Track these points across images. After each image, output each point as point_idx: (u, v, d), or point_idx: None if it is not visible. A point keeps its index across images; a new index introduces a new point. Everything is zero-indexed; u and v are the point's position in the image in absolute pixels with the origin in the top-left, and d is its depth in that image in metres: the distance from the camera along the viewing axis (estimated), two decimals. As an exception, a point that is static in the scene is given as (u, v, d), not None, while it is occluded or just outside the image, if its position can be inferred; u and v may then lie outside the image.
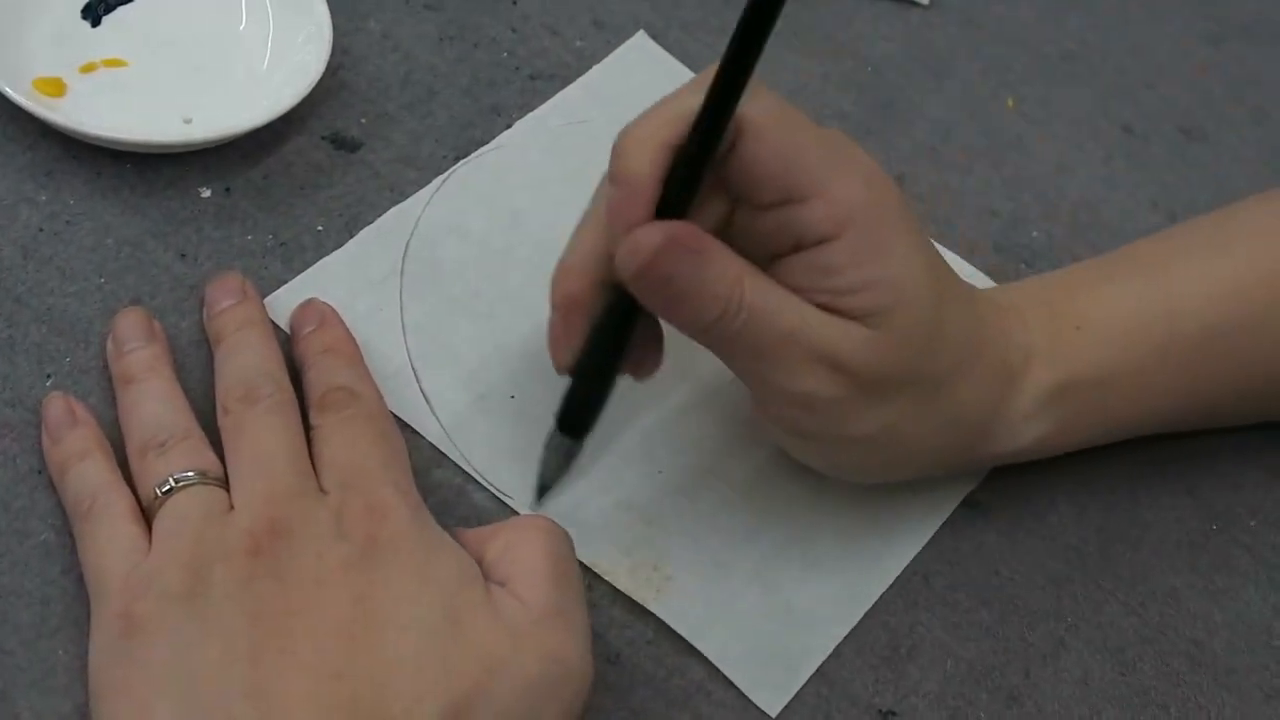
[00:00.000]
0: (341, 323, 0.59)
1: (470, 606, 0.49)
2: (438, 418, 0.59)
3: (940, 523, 0.61)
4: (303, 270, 0.62)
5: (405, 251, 0.63)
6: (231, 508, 0.51)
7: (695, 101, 0.49)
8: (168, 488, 0.51)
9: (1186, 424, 0.64)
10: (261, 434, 0.53)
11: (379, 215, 0.64)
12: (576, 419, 0.56)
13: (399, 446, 0.55)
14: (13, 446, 0.54)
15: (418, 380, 0.60)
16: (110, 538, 0.51)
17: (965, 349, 0.55)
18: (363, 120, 0.67)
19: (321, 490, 0.52)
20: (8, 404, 0.55)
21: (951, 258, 0.69)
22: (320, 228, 0.63)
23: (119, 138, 0.61)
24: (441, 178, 0.66)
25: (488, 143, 0.68)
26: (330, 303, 0.60)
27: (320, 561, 0.49)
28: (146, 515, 0.52)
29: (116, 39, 0.66)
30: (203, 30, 0.67)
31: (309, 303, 0.60)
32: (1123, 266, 0.62)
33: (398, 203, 0.65)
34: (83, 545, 0.52)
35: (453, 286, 0.63)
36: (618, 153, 0.52)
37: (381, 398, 0.57)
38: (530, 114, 0.69)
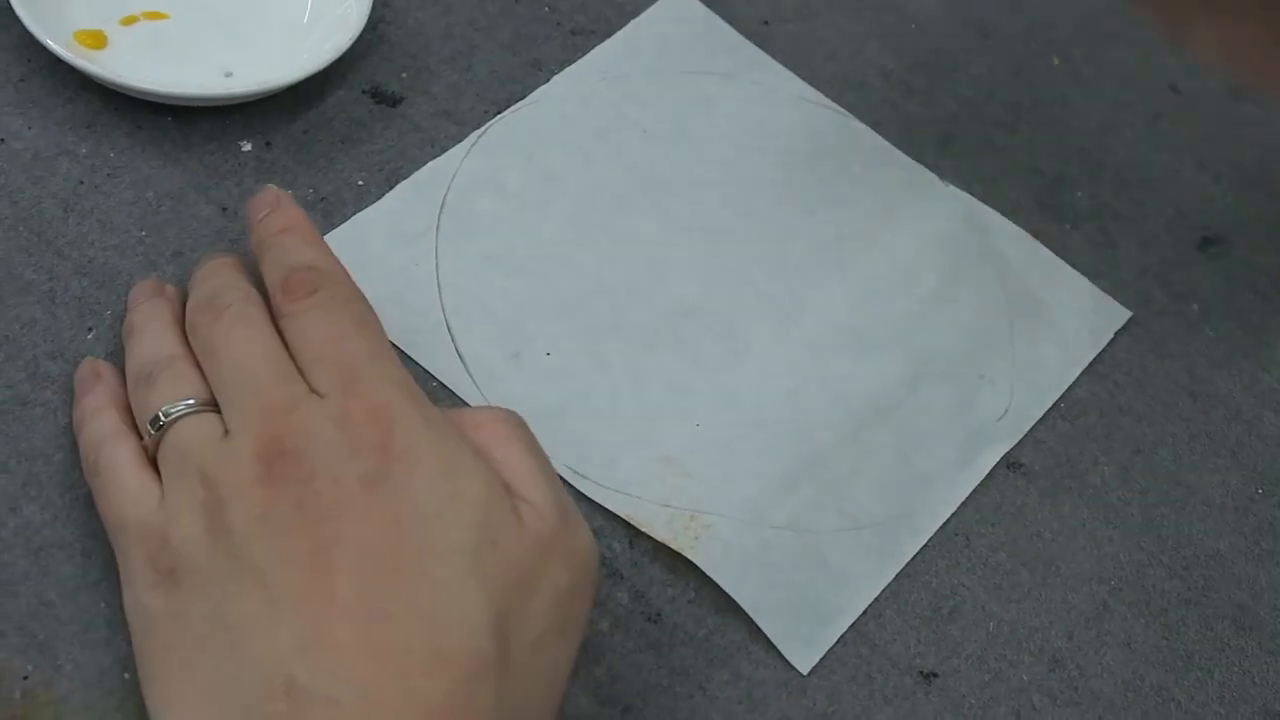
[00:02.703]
0: (298, 205, 0.56)
1: (502, 523, 0.47)
2: (472, 376, 0.59)
3: (976, 482, 0.61)
4: (344, 223, 0.61)
5: (441, 206, 0.63)
6: (227, 432, 0.48)
7: None
8: (159, 423, 0.49)
9: None
10: (233, 345, 0.50)
11: (419, 169, 0.64)
12: None
13: (378, 328, 0.52)
14: (53, 399, 0.54)
15: (452, 338, 0.60)
16: (118, 489, 0.49)
17: None
18: (403, 74, 0.66)
19: (313, 392, 0.48)
20: (49, 356, 0.55)
21: (995, 218, 0.69)
22: (360, 182, 0.63)
23: (159, 90, 0.60)
24: (478, 132, 0.66)
25: (528, 95, 0.67)
26: (367, 257, 0.60)
27: (338, 486, 0.46)
28: (151, 456, 0.50)
29: (156, -10, 0.65)
30: (244, -18, 0.66)
31: (262, 190, 0.56)
32: None
33: (438, 156, 0.64)
34: (97, 502, 0.50)
35: (488, 241, 0.63)
36: None
37: (349, 275, 0.53)
38: (569, 67, 0.69)
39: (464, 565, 0.46)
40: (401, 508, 0.46)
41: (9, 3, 0.60)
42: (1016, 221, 0.69)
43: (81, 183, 0.60)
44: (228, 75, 0.63)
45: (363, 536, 0.45)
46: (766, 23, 0.73)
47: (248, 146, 0.63)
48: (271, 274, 0.53)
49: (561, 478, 0.57)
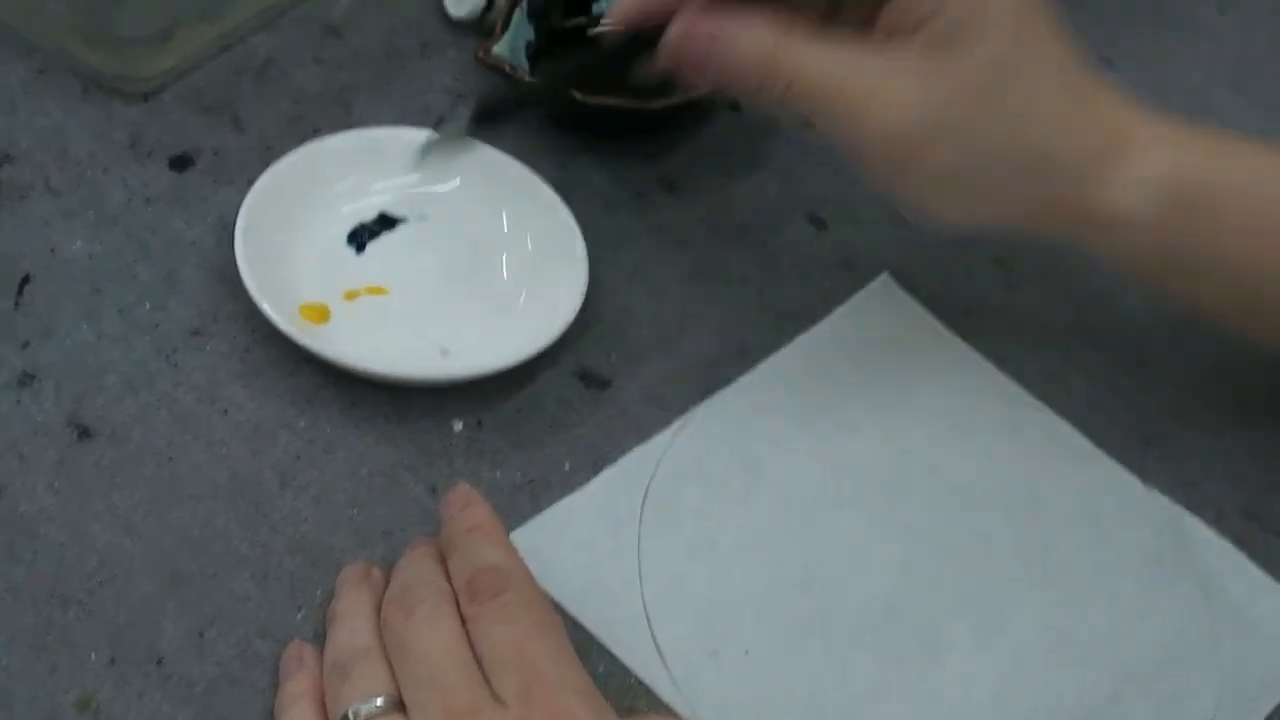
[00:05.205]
0: (488, 504, 0.58)
1: None
2: (670, 673, 0.59)
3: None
4: (549, 508, 0.62)
5: (645, 495, 0.63)
6: None
7: None
8: None
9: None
10: (422, 646, 0.52)
11: (625, 454, 0.64)
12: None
13: (560, 632, 0.54)
14: (261, 680, 0.55)
15: (651, 631, 0.60)
16: None
17: (1049, 94, 0.59)
18: (612, 357, 0.67)
19: (496, 698, 0.50)
20: (259, 635, 0.56)
21: (1199, 526, 0.67)
22: (568, 466, 0.63)
23: (378, 371, 0.62)
24: (682, 419, 0.66)
25: (733, 382, 0.68)
26: (571, 545, 0.61)
27: None
28: None
29: (379, 266, 0.67)
30: (464, 262, 0.68)
31: (455, 488, 0.59)
32: None
33: (643, 442, 0.65)
34: None
35: (691, 532, 0.63)
36: None
37: (532, 577, 0.55)
38: (774, 355, 0.69)
39: None
40: None
41: (239, 274, 0.63)
42: (1220, 529, 0.68)
43: (299, 457, 0.61)
44: (444, 353, 0.65)
45: None
46: (970, 312, 0.73)
47: (459, 426, 0.64)
48: (458, 574, 0.54)
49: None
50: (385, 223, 0.69)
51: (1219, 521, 0.68)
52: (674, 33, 0.58)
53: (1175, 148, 0.61)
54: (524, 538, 0.61)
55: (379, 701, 0.51)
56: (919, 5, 0.57)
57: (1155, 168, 0.61)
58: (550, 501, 0.62)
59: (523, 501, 0.62)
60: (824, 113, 0.58)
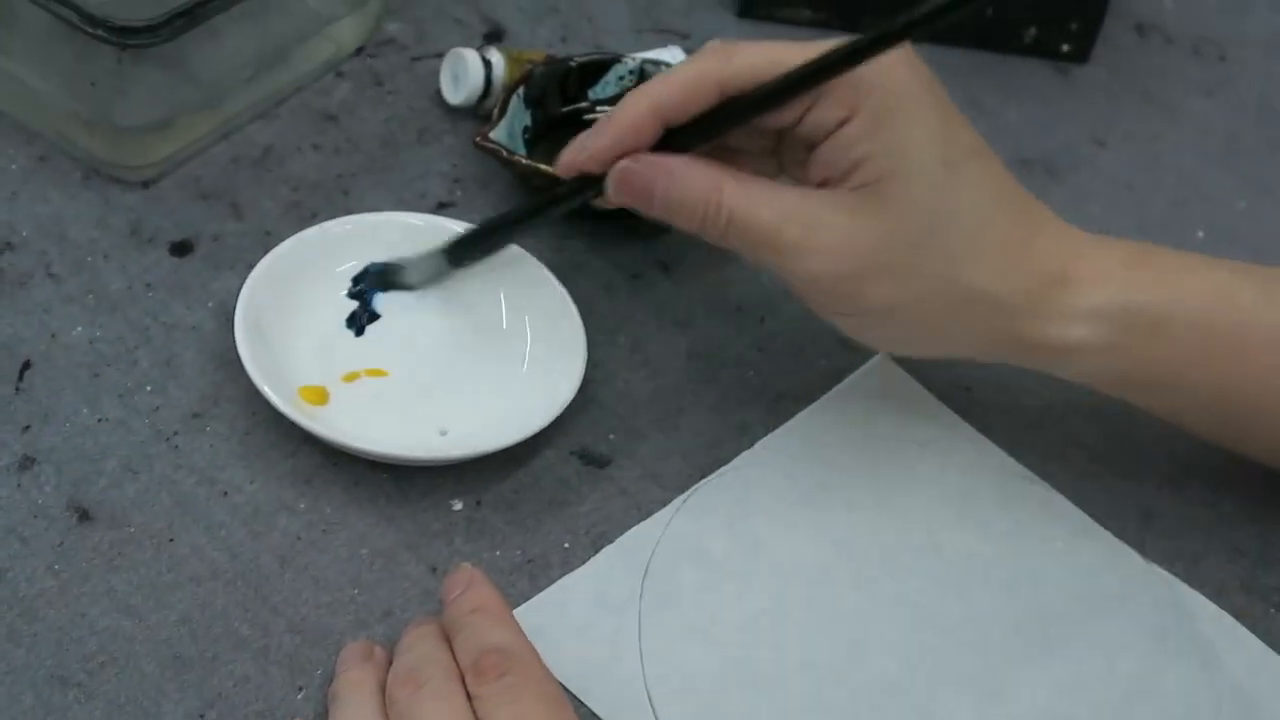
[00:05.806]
0: (491, 584, 0.58)
1: None
2: (673, 752, 0.59)
3: None
4: (549, 587, 0.62)
5: (645, 573, 0.63)
6: None
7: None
8: None
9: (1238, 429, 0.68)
10: None
11: (624, 533, 0.64)
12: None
13: (568, 711, 0.54)
14: (261, 761, 0.55)
15: (653, 710, 0.59)
16: None
17: (982, 233, 0.60)
18: (611, 436, 0.68)
19: None
20: (259, 716, 0.56)
21: (1199, 601, 0.67)
22: (567, 545, 0.64)
23: (378, 452, 0.62)
24: (682, 498, 0.66)
25: (731, 460, 0.68)
26: (571, 624, 0.61)
27: None
28: None
29: (378, 349, 0.68)
30: (462, 343, 0.69)
31: (458, 568, 0.59)
32: (1242, 270, 0.66)
33: (642, 520, 0.65)
34: None
35: (691, 610, 0.63)
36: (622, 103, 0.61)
37: (539, 656, 0.55)
38: (772, 433, 0.70)
39: None
40: None
41: (239, 357, 0.63)
42: (1220, 602, 0.68)
43: (299, 538, 0.61)
44: (443, 434, 0.65)
45: None
46: (968, 389, 0.73)
47: (459, 505, 0.64)
48: (463, 654, 0.55)
49: None
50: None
51: (1219, 594, 0.68)
52: (618, 168, 0.60)
53: (1120, 278, 0.63)
54: (524, 617, 0.60)
55: None
56: (847, 151, 0.58)
57: (1100, 301, 0.62)
58: (550, 581, 0.62)
59: (522, 581, 0.62)
60: (764, 250, 0.60)
